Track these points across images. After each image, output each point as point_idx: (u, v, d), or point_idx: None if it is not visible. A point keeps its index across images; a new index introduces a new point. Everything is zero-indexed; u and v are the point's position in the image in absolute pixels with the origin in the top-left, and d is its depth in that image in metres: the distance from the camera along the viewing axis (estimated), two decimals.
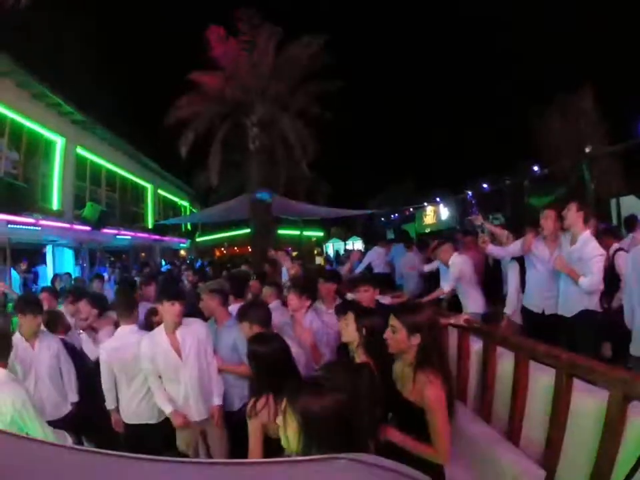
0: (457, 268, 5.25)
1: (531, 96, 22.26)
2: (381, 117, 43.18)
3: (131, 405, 3.69)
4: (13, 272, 10.67)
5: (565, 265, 4.09)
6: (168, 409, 3.50)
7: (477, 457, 2.79)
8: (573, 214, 4.07)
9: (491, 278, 5.99)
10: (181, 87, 13.65)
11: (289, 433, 1.60)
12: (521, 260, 4.82)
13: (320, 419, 1.52)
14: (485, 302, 5.34)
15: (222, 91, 13.07)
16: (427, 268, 6.74)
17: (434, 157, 35.29)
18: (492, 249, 5.01)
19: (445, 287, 5.35)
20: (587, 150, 16.92)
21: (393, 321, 2.37)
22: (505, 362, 3.15)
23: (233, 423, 3.55)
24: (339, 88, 14.07)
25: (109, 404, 3.79)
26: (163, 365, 3.48)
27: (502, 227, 5.95)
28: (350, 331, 2.78)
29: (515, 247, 4.78)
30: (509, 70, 30.57)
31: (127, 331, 3.73)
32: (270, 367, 2.51)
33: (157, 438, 3.63)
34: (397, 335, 2.33)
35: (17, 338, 3.60)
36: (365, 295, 3.96)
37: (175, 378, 3.50)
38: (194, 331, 3.56)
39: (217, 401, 3.59)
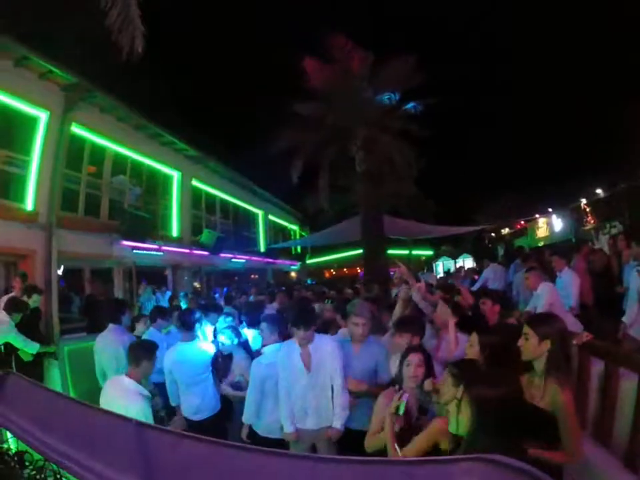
0: (547, 296, 5.12)
1: None
2: (483, 130, 40.67)
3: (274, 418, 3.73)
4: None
5: None
6: (291, 428, 3.56)
7: None
8: None
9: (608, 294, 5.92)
10: (282, 117, 14.25)
11: (461, 418, 1.88)
12: None
13: (492, 407, 1.72)
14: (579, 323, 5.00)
15: (323, 119, 13.41)
16: None
17: (541, 165, 32.72)
18: None
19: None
20: None
21: (525, 329, 2.55)
22: (628, 383, 2.94)
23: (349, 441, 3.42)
24: (436, 103, 14.10)
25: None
26: (291, 376, 3.58)
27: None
28: (474, 351, 2.85)
29: None
30: (617, 74, 27.61)
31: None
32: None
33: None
34: (529, 342, 2.50)
35: None
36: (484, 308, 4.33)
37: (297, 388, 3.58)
38: (320, 346, 3.61)
39: (338, 424, 3.48)
